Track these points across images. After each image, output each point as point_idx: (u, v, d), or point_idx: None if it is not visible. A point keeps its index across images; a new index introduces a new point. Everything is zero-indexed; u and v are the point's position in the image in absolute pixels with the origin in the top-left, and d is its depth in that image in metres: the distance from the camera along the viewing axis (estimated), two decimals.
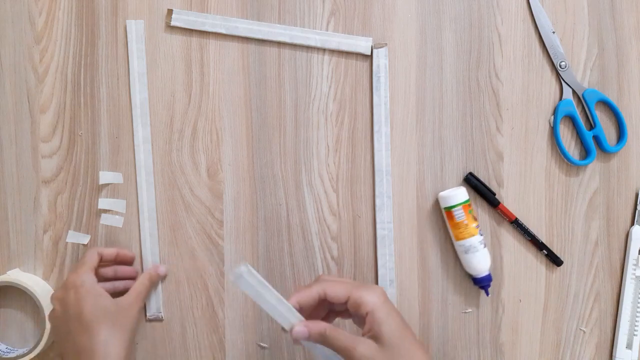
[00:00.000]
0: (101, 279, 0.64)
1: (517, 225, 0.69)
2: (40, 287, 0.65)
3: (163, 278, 0.68)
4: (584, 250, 0.70)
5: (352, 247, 0.69)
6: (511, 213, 0.68)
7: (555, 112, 0.69)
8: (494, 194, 0.68)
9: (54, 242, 0.68)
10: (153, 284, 0.66)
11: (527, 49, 0.69)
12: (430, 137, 0.69)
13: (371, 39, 0.68)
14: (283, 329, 0.55)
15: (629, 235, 0.70)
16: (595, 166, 0.70)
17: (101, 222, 0.68)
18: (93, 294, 0.60)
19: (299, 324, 0.54)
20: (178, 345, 0.68)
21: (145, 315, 0.68)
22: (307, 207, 0.69)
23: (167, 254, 0.68)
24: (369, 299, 0.53)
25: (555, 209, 0.70)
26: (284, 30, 0.68)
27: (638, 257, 0.69)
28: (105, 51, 0.67)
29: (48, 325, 0.64)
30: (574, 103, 0.69)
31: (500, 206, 0.68)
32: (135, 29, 0.67)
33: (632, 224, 0.70)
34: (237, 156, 0.68)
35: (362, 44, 0.68)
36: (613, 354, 0.69)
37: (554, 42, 0.69)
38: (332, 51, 0.68)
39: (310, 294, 0.55)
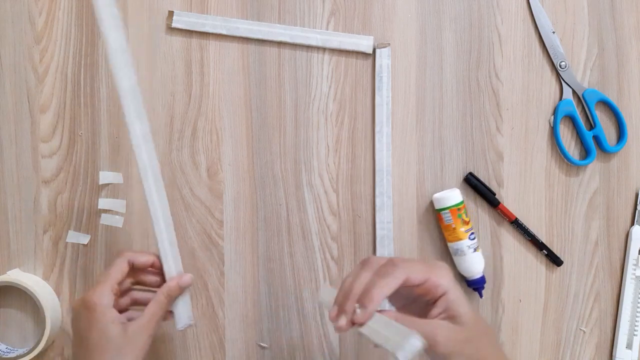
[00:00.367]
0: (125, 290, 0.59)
1: (517, 225, 0.69)
2: (40, 287, 0.65)
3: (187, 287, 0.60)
4: (584, 250, 0.70)
5: (352, 247, 0.69)
6: (511, 213, 0.68)
7: (555, 112, 0.69)
8: (494, 194, 0.68)
9: (54, 242, 0.68)
10: (172, 299, 0.58)
11: (527, 49, 0.69)
12: (430, 137, 0.69)
13: (372, 37, 0.68)
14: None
15: (629, 235, 0.70)
16: (595, 166, 0.70)
17: (101, 222, 0.68)
18: (103, 321, 0.54)
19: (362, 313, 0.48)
20: (178, 345, 0.68)
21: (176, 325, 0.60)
22: (307, 207, 0.69)
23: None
24: (444, 279, 0.50)
25: (555, 209, 0.70)
26: (285, 30, 0.68)
27: (638, 257, 0.69)
28: (105, 51, 0.67)
29: (48, 325, 0.64)
30: (574, 103, 0.69)
31: (500, 206, 0.68)
32: None
33: (632, 224, 0.70)
34: (237, 156, 0.68)
35: (363, 43, 0.68)
36: (613, 354, 0.69)
37: (554, 42, 0.69)
38: (332, 51, 0.68)
39: (395, 284, 0.49)
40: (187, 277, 0.59)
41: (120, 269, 0.57)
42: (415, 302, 0.53)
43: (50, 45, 0.67)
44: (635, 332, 0.69)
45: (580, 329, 0.70)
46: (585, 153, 0.70)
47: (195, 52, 0.68)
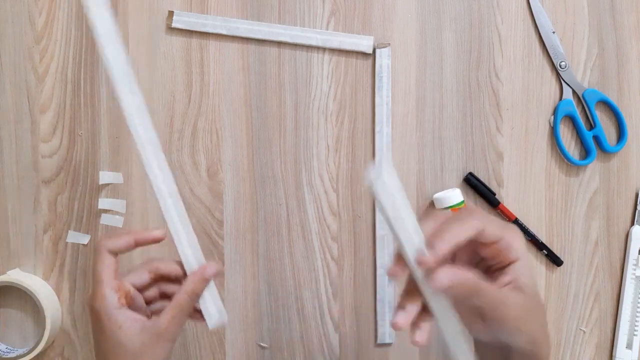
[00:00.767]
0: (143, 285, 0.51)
1: (517, 225, 0.69)
2: (40, 287, 0.65)
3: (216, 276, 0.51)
4: (584, 250, 0.70)
5: (352, 247, 0.69)
6: (511, 213, 0.68)
7: (555, 112, 0.69)
8: (494, 194, 0.68)
9: (54, 242, 0.68)
10: (197, 297, 0.50)
11: (527, 49, 0.69)
12: (430, 137, 0.69)
13: (372, 37, 0.68)
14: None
15: (629, 235, 0.70)
16: (595, 166, 0.70)
17: (101, 222, 0.68)
18: (110, 328, 0.48)
19: (442, 270, 0.40)
20: (178, 345, 0.68)
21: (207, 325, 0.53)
22: (307, 207, 0.69)
23: (167, 254, 0.68)
24: (518, 243, 0.43)
25: (555, 209, 0.70)
26: (285, 30, 0.68)
27: (638, 257, 0.69)
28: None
29: (48, 325, 0.64)
30: (574, 103, 0.69)
31: (500, 206, 0.68)
32: None
33: (632, 224, 0.70)
34: (237, 156, 0.68)
35: (363, 43, 0.68)
36: (613, 354, 0.69)
37: (554, 42, 0.69)
38: (332, 51, 0.68)
39: (470, 232, 0.41)
40: (212, 267, 0.50)
41: (105, 266, 0.49)
42: (477, 266, 0.46)
43: (50, 45, 0.67)
44: (635, 332, 0.69)
45: (580, 329, 0.70)
46: (585, 153, 0.70)
47: (195, 52, 0.68)
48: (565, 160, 0.69)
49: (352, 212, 0.69)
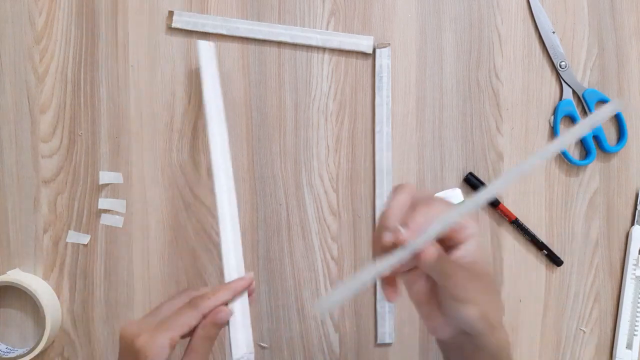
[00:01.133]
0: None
1: (517, 225, 0.69)
2: (40, 287, 0.65)
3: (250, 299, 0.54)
4: (584, 250, 0.70)
5: (352, 247, 0.69)
6: (511, 213, 0.68)
7: (555, 112, 0.69)
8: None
9: (54, 242, 0.68)
10: (221, 326, 0.51)
11: (527, 49, 0.69)
12: (430, 137, 0.69)
13: (372, 37, 0.68)
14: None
15: (629, 235, 0.70)
16: (595, 166, 0.70)
17: (101, 222, 0.68)
18: None
19: (429, 248, 0.43)
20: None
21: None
22: (307, 207, 0.69)
23: (167, 254, 0.68)
24: (471, 224, 0.46)
25: (555, 209, 0.70)
26: (285, 30, 0.68)
27: (638, 257, 0.69)
28: (105, 51, 0.67)
29: (48, 325, 0.64)
30: (574, 103, 0.69)
31: (500, 206, 0.68)
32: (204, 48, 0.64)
33: (632, 224, 0.70)
34: (237, 156, 0.68)
35: (363, 43, 0.68)
36: (613, 354, 0.69)
37: (554, 42, 0.69)
38: (332, 51, 0.68)
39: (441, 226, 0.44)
40: (246, 278, 0.53)
41: (189, 322, 0.50)
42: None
43: (50, 45, 0.67)
44: (635, 332, 0.69)
45: (580, 329, 0.70)
46: (585, 153, 0.70)
47: (195, 52, 0.68)
48: (566, 160, 0.69)
49: (352, 212, 0.69)
